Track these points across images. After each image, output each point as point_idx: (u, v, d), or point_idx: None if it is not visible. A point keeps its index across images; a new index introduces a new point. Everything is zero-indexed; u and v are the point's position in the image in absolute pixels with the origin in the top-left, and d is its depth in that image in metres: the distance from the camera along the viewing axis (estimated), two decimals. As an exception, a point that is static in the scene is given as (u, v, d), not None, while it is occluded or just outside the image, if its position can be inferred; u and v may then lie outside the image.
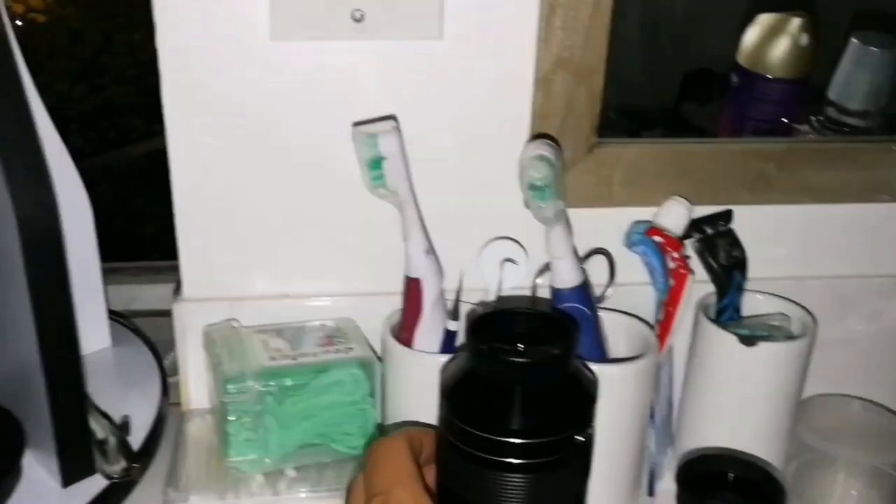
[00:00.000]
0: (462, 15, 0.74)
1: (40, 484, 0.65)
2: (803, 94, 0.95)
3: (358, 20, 0.73)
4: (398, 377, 0.75)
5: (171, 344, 0.88)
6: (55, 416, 0.63)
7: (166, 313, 0.98)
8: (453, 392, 0.47)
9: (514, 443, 0.44)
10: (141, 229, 2.16)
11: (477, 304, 0.78)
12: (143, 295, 1.11)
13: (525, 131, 0.78)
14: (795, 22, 0.92)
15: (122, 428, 0.69)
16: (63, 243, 0.61)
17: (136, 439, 0.71)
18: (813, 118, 0.95)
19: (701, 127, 1.17)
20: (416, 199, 0.72)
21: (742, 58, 0.94)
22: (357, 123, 0.73)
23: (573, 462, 0.46)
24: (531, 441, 0.44)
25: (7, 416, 0.69)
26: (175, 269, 1.03)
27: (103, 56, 2.39)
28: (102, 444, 0.66)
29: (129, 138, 2.32)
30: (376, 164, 0.70)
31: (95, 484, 0.66)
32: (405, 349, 0.74)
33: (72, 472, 0.65)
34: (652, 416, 0.79)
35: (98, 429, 0.66)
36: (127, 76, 2.36)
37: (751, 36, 0.94)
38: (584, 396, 0.47)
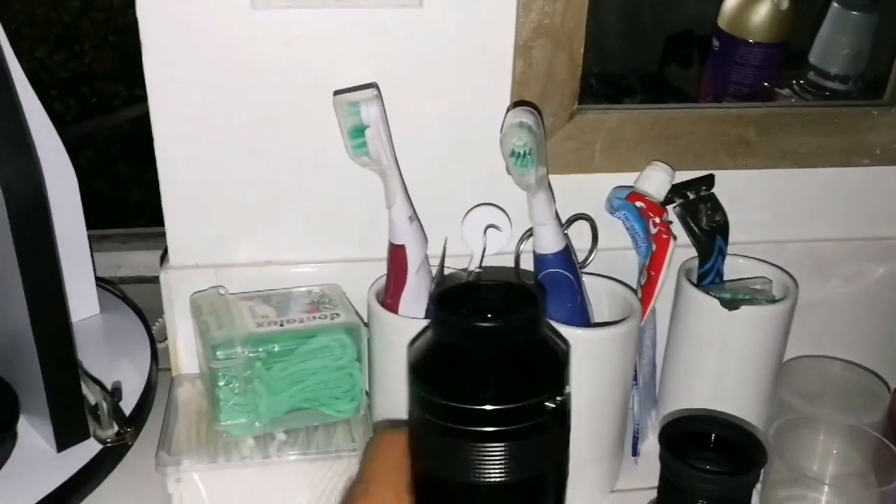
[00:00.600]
0: (442, -19, 0.74)
1: (35, 449, 0.67)
2: (784, 57, 0.95)
3: (339, -12, 0.73)
4: (384, 342, 0.76)
5: (159, 310, 0.89)
6: (48, 382, 0.64)
7: (153, 280, 0.99)
8: (421, 365, 0.46)
9: (486, 410, 0.44)
10: (125, 195, 2.16)
11: (460, 270, 0.79)
12: (129, 261, 1.12)
13: (505, 98, 0.79)
14: (776, -14, 0.92)
15: (114, 393, 0.70)
16: (48, 212, 0.62)
17: (127, 404, 0.72)
18: (794, 82, 0.96)
19: (684, 89, 1.18)
20: (398, 167, 0.73)
21: (723, 22, 0.94)
22: (338, 92, 0.73)
23: (549, 428, 0.46)
24: (504, 407, 0.44)
25: (1, 384, 0.70)
26: (161, 236, 1.03)
27: (83, 22, 2.37)
28: (95, 409, 0.67)
29: (111, 105, 2.30)
30: (358, 132, 0.70)
31: (89, 448, 0.67)
32: (390, 314, 0.75)
33: (66, 437, 0.66)
34: (635, 378, 0.80)
35: (90, 394, 0.67)
36: (107, 42, 2.34)
37: (731, 0, 0.94)
38: (555, 361, 0.46)
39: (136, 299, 0.95)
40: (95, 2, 2.36)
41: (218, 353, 0.72)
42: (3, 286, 0.65)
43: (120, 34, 2.32)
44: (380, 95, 0.71)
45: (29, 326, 0.63)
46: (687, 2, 1.05)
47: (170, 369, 0.85)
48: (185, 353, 0.84)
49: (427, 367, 0.46)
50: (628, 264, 0.83)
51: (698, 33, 1.00)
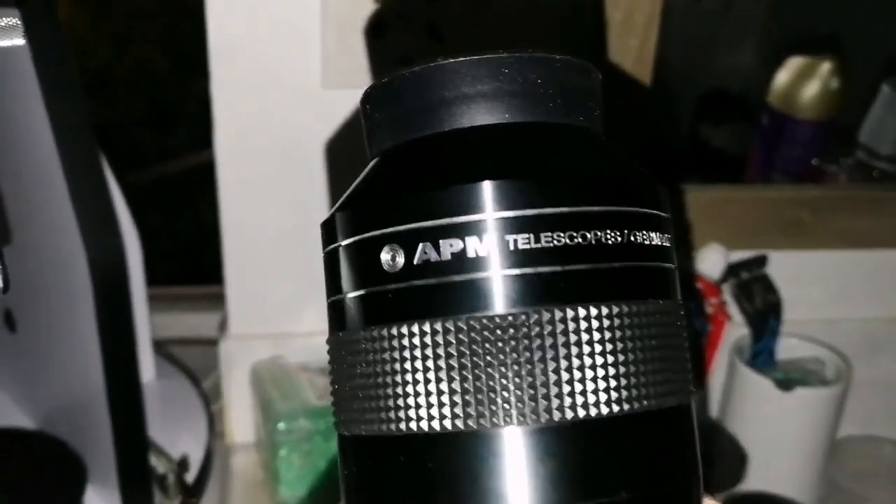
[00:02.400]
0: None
1: (100, 519, 0.67)
2: (832, 135, 0.97)
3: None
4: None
5: (202, 372, 0.90)
6: (119, 453, 0.64)
7: (195, 341, 1.00)
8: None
9: None
10: (151, 247, 2.18)
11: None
12: (170, 322, 1.13)
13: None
14: (825, 66, 0.94)
15: (181, 464, 0.70)
16: (129, 288, 0.63)
17: (188, 475, 0.72)
18: (843, 160, 0.97)
19: (720, 148, 1.19)
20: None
21: (772, 98, 0.96)
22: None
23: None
24: None
25: (68, 451, 0.70)
26: (202, 298, 1.04)
27: (116, 69, 2.40)
28: (162, 479, 0.67)
29: (142, 152, 2.33)
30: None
31: (154, 518, 0.68)
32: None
33: (133, 506, 0.67)
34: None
35: (158, 465, 0.68)
36: (138, 90, 2.38)
37: (781, 78, 0.96)
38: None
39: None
40: (127, 49, 2.40)
41: (281, 425, 0.73)
42: (76, 354, 0.66)
43: (151, 81, 2.35)
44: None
45: (102, 397, 0.63)
46: (717, 60, 1.06)
47: (221, 433, 0.85)
48: (240, 422, 0.84)
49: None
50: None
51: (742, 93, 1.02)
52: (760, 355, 0.83)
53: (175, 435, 0.76)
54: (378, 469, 0.26)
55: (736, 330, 0.83)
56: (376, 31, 0.73)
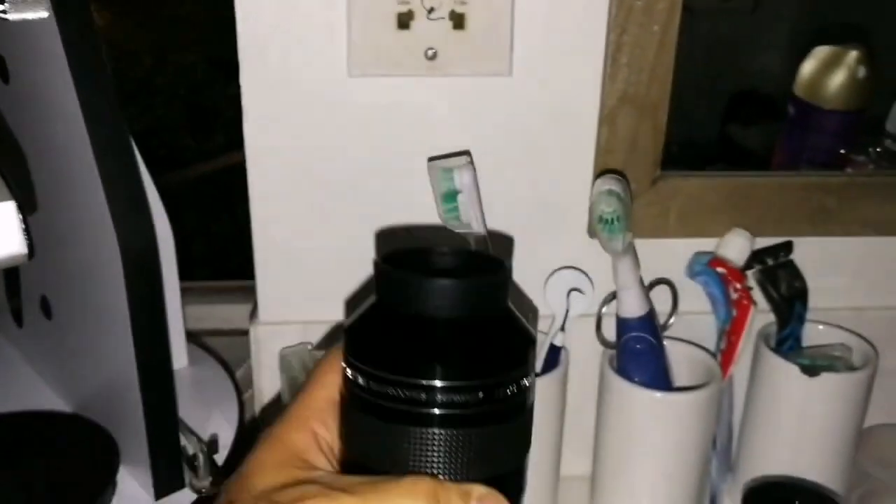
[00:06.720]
0: (530, 52, 0.77)
1: (133, 497, 0.69)
2: (860, 125, 0.96)
3: (430, 58, 0.76)
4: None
5: (234, 363, 0.92)
6: (150, 432, 0.66)
7: (230, 333, 1.02)
8: (354, 329, 0.37)
9: (434, 386, 0.35)
10: (187, 248, 2.21)
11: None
12: (205, 314, 1.15)
13: (589, 165, 0.81)
14: (852, 55, 0.93)
15: (211, 445, 0.72)
16: (160, 268, 0.65)
17: (218, 456, 0.74)
18: (870, 149, 0.97)
19: (748, 148, 1.19)
20: (487, 231, 0.75)
21: (799, 89, 0.96)
22: (432, 158, 0.75)
23: (509, 420, 0.36)
24: (455, 384, 0.35)
25: (102, 433, 0.72)
26: (235, 290, 1.06)
27: (156, 77, 2.45)
28: (193, 459, 0.69)
29: (181, 158, 2.37)
30: (451, 197, 0.72)
31: (185, 497, 0.69)
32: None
33: (164, 486, 0.68)
34: (714, 443, 0.81)
35: (188, 445, 0.69)
36: (178, 96, 2.42)
37: (807, 68, 0.96)
38: (520, 337, 0.37)
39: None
40: (168, 58, 2.44)
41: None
42: (109, 338, 0.68)
43: (190, 89, 2.39)
44: (472, 162, 0.74)
45: (134, 378, 0.65)
46: (750, 59, 1.06)
47: (254, 420, 0.87)
48: (269, 407, 0.86)
49: (364, 331, 0.37)
50: (706, 329, 0.84)
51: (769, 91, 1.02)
52: (786, 341, 0.83)
53: (206, 418, 0.78)
54: None
55: (762, 318, 0.83)
56: (402, 23, 0.74)
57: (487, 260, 0.40)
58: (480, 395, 0.35)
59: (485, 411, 0.35)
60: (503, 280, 0.38)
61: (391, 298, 0.37)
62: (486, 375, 0.35)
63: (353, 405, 0.37)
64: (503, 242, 0.81)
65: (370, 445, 0.37)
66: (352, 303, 0.83)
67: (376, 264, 0.37)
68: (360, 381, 0.36)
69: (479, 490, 0.35)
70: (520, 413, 0.37)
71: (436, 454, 0.35)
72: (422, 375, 0.35)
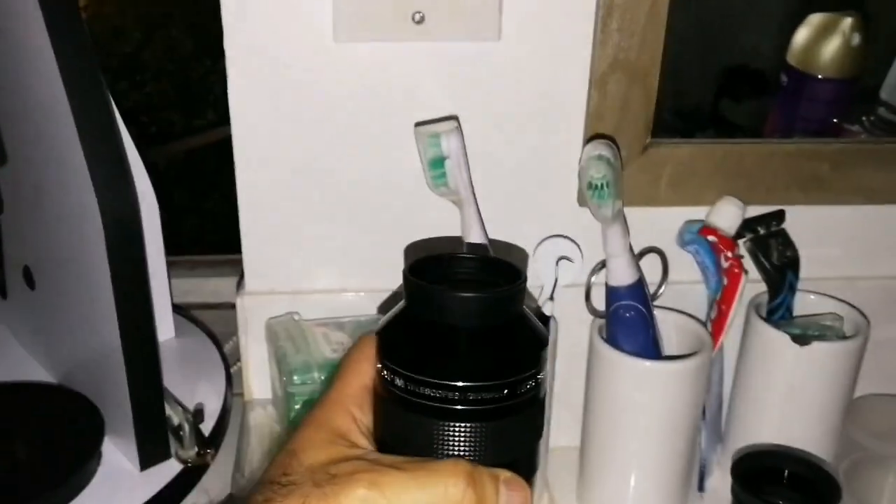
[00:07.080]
0: (519, 17, 0.75)
1: (119, 467, 0.68)
2: (854, 93, 0.95)
3: (418, 22, 0.74)
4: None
5: (224, 336, 0.91)
6: (134, 403, 0.65)
7: (218, 306, 1.01)
8: (388, 334, 0.44)
9: (462, 387, 0.41)
10: (179, 224, 2.20)
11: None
12: (194, 287, 1.14)
13: (580, 130, 0.80)
14: (846, 21, 0.92)
15: (196, 415, 0.71)
16: (143, 235, 0.64)
17: (205, 426, 0.73)
18: (864, 118, 0.96)
19: (737, 124, 1.18)
20: (475, 197, 0.74)
21: (792, 57, 0.95)
22: (419, 123, 0.74)
23: (523, 412, 0.43)
24: (480, 384, 0.41)
25: (86, 403, 0.72)
26: (226, 264, 1.05)
27: (143, 52, 2.43)
28: (178, 430, 0.68)
29: (170, 133, 2.35)
30: (438, 162, 0.71)
31: (170, 468, 0.69)
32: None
33: (149, 457, 0.68)
34: (703, 413, 0.80)
35: (173, 416, 0.69)
36: (166, 72, 2.40)
37: (801, 36, 0.95)
38: (533, 340, 0.43)
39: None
40: (156, 33, 2.42)
41: (295, 377, 0.73)
42: (92, 308, 0.67)
43: (179, 64, 2.37)
44: (460, 128, 0.73)
45: (118, 347, 0.64)
46: (747, 34, 1.05)
47: (241, 393, 0.86)
48: (257, 378, 0.85)
49: (395, 338, 0.44)
50: (697, 298, 0.83)
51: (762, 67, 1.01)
52: (778, 311, 0.83)
53: (193, 388, 0.78)
54: None
55: (753, 287, 0.82)
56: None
57: (507, 268, 0.45)
58: (503, 392, 0.42)
59: (504, 406, 0.42)
60: (520, 290, 0.43)
61: (420, 309, 0.43)
62: (506, 377, 0.42)
63: (389, 400, 0.43)
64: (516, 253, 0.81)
65: (404, 435, 0.43)
66: (383, 308, 0.83)
67: (405, 275, 0.44)
68: (398, 382, 0.42)
69: (505, 474, 0.42)
70: (533, 404, 0.43)
71: (462, 444, 0.42)
72: (452, 378, 0.41)
